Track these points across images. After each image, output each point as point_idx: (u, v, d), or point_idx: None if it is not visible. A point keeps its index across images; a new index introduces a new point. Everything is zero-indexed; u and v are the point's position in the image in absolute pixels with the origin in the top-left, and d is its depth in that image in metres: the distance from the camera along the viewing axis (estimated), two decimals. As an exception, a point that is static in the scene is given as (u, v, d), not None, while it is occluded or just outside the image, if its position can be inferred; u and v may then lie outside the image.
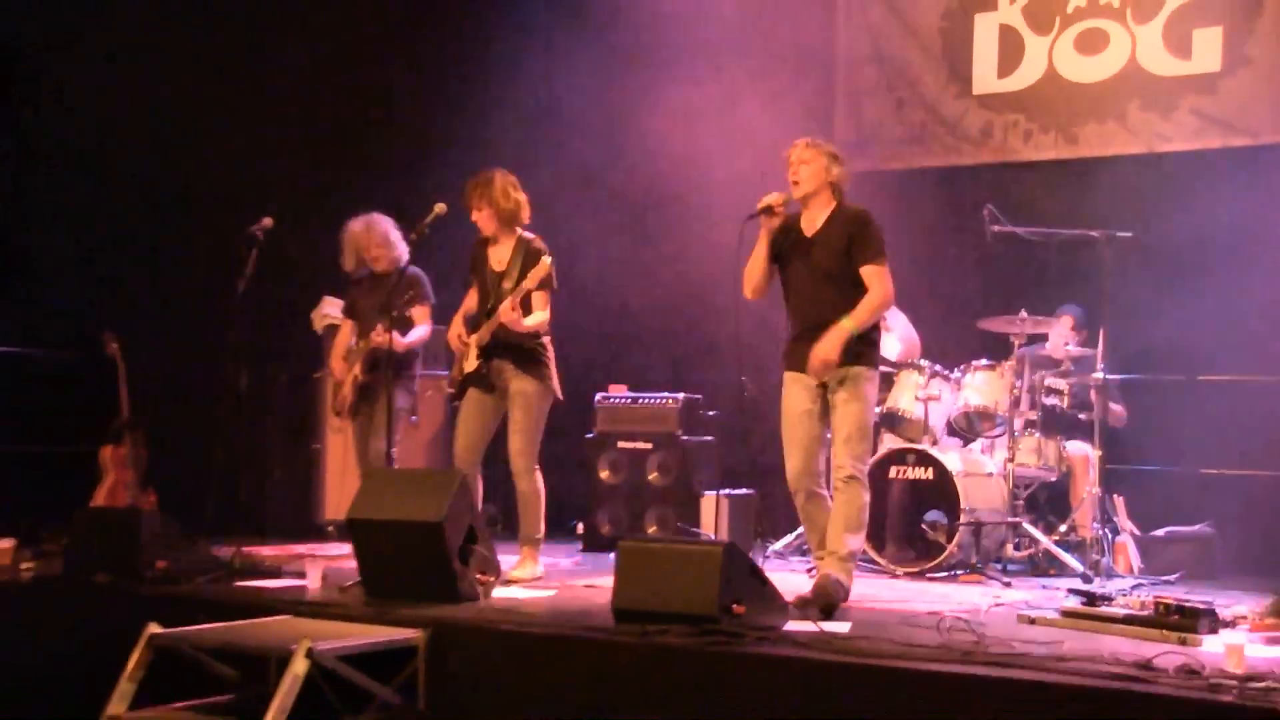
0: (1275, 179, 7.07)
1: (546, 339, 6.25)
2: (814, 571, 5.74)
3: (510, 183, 6.23)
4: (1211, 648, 4.41)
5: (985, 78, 8.71)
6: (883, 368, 7.19)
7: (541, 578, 6.16)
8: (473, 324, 6.28)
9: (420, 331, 6.84)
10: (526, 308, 6.09)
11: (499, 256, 6.25)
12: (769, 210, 5.49)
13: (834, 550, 5.40)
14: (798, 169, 5.51)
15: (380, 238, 6.83)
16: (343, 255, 6.98)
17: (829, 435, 5.58)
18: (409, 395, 6.89)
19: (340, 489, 8.19)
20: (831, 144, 5.65)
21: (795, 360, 5.55)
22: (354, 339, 6.97)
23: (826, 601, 5.11)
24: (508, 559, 5.99)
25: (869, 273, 5.47)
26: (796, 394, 5.53)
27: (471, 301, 6.36)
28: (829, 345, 5.37)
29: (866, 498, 5.48)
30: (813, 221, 5.58)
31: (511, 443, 6.16)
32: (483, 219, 6.19)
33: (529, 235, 6.26)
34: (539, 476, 6.19)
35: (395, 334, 6.54)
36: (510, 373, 6.16)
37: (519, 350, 6.15)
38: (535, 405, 6.16)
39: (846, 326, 5.40)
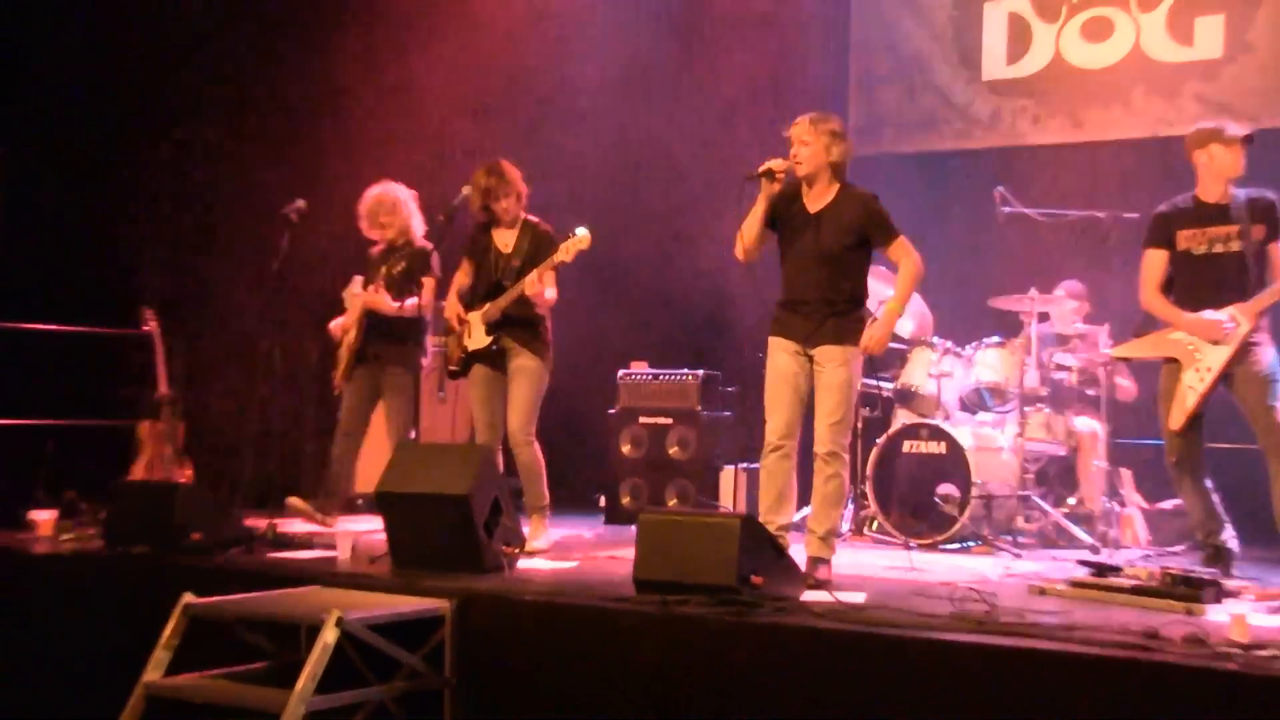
0: (1274, 161, 6.97)
1: (548, 319, 6.23)
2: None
3: (518, 172, 6.22)
4: (1217, 617, 4.36)
5: (994, 64, 8.67)
6: (896, 344, 7.18)
7: (551, 548, 6.13)
8: (469, 302, 6.25)
9: (415, 300, 6.60)
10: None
11: (505, 239, 6.22)
12: (770, 175, 5.34)
13: (814, 529, 5.34)
14: (798, 150, 5.37)
15: (390, 205, 6.75)
16: (360, 221, 6.89)
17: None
18: (411, 369, 6.71)
19: (370, 462, 8.15)
20: (836, 120, 5.43)
21: (781, 327, 5.46)
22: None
23: (810, 583, 5.04)
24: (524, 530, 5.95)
25: (897, 249, 5.43)
26: (783, 359, 5.43)
27: (464, 279, 6.30)
28: (883, 330, 5.33)
29: (846, 474, 5.40)
30: (816, 199, 5.43)
31: (511, 418, 6.12)
32: (508, 208, 6.15)
33: (532, 219, 6.25)
34: (538, 448, 6.16)
35: (386, 296, 6.57)
36: (514, 350, 6.14)
37: (525, 328, 6.14)
38: (536, 382, 6.13)
39: (895, 309, 5.38)
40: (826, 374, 5.35)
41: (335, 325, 6.84)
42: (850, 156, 5.46)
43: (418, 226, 6.77)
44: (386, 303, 6.61)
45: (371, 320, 6.69)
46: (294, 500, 6.55)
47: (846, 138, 5.43)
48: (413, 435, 6.66)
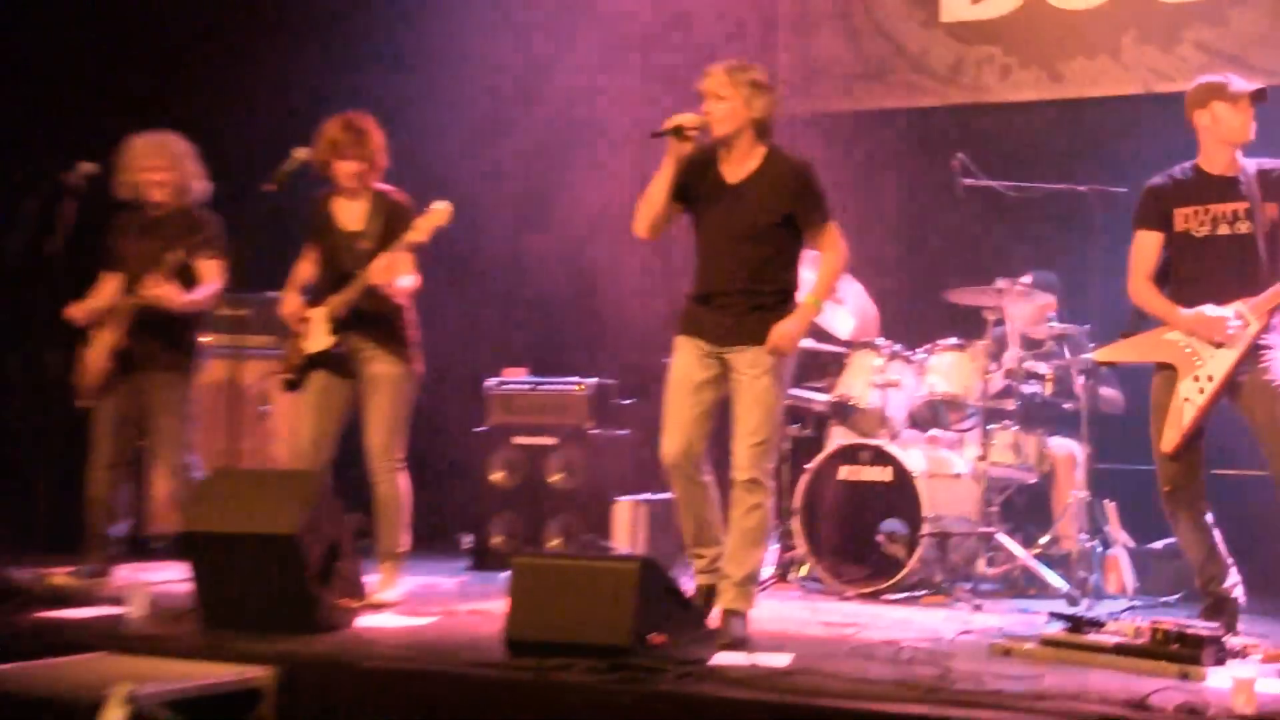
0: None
1: (411, 312, 6.23)
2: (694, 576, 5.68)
3: (383, 138, 6.21)
4: (1217, 682, 4.45)
5: (956, 3, 8.74)
6: (833, 347, 7.25)
7: (403, 600, 6.11)
8: (314, 295, 6.20)
9: (208, 289, 6.54)
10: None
11: (351, 214, 6.19)
12: (679, 132, 5.35)
13: (729, 574, 5.37)
14: (713, 106, 5.39)
15: (170, 154, 6.61)
16: (117, 176, 6.65)
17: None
18: (188, 375, 6.64)
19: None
20: (758, 69, 5.47)
21: (692, 324, 5.52)
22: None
23: (724, 643, 5.08)
24: (369, 580, 5.95)
25: (825, 236, 5.49)
26: (689, 362, 5.48)
27: (307, 270, 6.26)
28: (796, 326, 5.39)
29: (771, 504, 5.47)
30: (736, 167, 5.47)
31: (371, 438, 6.10)
32: (353, 172, 6.11)
33: (385, 189, 6.24)
34: (404, 478, 6.15)
35: (174, 287, 6.43)
36: (369, 352, 6.11)
37: (380, 324, 6.12)
38: (400, 391, 6.12)
39: (813, 305, 5.47)
40: (747, 383, 5.38)
41: (80, 309, 6.59)
42: (775, 112, 5.50)
43: (200, 190, 6.68)
44: (178, 295, 6.46)
45: (141, 315, 6.52)
46: (57, 580, 6.38)
47: (771, 89, 5.47)
48: (191, 461, 6.61)
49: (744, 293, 5.42)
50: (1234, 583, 5.63)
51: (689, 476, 5.48)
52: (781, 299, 5.45)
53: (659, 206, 5.47)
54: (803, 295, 5.54)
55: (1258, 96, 5.62)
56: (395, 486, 6.14)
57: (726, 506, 5.47)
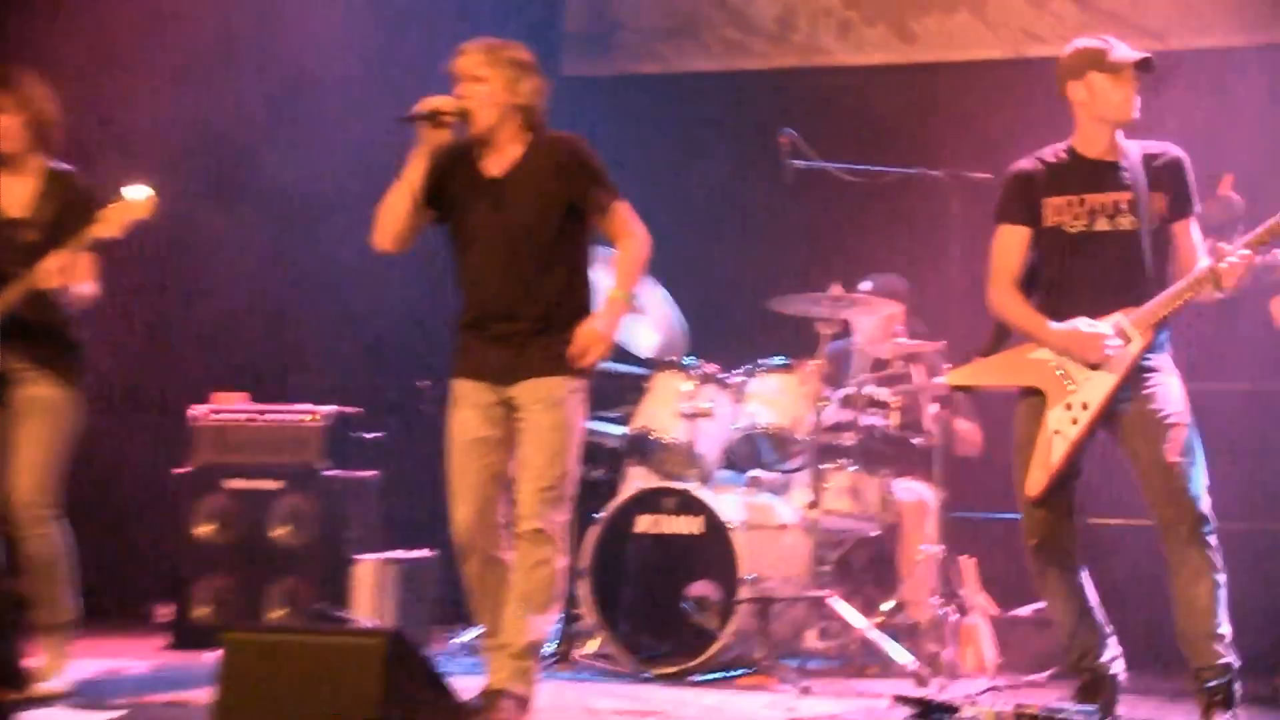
0: (1192, 99, 7.34)
1: (82, 325, 6.17)
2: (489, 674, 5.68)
3: (44, 90, 6.14)
4: (1094, 778, 4.57)
5: (785, -58, 8.87)
6: (631, 368, 7.29)
7: (76, 689, 6.01)
8: None
9: None
10: None
11: (12, 196, 6.11)
12: (435, 117, 5.42)
13: (508, 643, 5.44)
14: (470, 91, 5.47)
15: None
16: None
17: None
18: None
19: None
20: (520, 48, 5.58)
21: (467, 361, 5.60)
22: None
23: None
24: (32, 664, 5.87)
25: (616, 219, 5.56)
26: (470, 417, 5.56)
27: None
28: (606, 324, 5.46)
29: (562, 563, 5.53)
30: (500, 159, 5.57)
31: (21, 478, 6.01)
32: (8, 130, 6.02)
33: (63, 167, 6.18)
34: (62, 529, 6.08)
35: None
36: (26, 372, 6.04)
37: (47, 340, 6.06)
38: (61, 422, 6.07)
39: (621, 298, 5.52)
40: (534, 418, 5.44)
41: None
42: (545, 96, 5.57)
43: None
44: None
45: None
46: None
47: (538, 71, 5.55)
48: None
49: (524, 314, 5.47)
50: (1113, 656, 5.70)
51: (486, 554, 5.51)
52: (573, 316, 5.49)
53: (406, 211, 5.50)
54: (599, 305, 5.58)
55: (1143, 66, 5.67)
56: (50, 540, 6.04)
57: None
